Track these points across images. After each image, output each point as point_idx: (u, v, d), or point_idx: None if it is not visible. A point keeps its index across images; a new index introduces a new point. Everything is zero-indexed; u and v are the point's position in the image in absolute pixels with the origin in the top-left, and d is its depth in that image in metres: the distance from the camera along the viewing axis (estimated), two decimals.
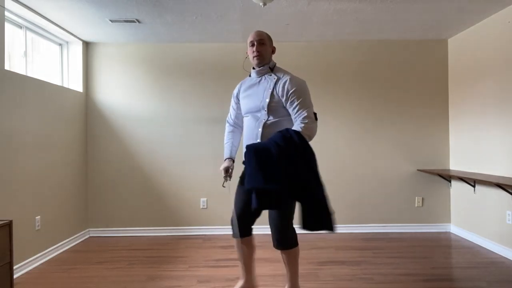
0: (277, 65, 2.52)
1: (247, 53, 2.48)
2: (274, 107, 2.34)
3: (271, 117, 2.35)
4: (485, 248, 3.99)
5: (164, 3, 3.51)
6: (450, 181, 4.74)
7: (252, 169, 2.12)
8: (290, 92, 2.33)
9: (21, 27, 3.80)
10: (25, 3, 3.46)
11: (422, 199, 4.80)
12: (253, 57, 2.40)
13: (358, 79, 4.82)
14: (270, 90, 2.35)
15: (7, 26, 3.54)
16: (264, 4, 3.14)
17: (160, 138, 4.77)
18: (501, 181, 3.35)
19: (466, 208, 4.42)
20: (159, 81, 4.79)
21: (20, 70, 3.75)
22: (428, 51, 4.82)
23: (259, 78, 2.45)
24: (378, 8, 3.69)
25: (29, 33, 3.93)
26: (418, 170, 4.77)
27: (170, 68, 4.80)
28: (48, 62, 4.33)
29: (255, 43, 2.38)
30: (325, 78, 4.82)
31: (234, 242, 2.59)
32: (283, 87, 2.35)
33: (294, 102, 2.32)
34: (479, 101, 4.16)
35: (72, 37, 4.43)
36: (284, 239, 2.37)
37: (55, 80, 4.44)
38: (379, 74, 4.82)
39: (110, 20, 3.93)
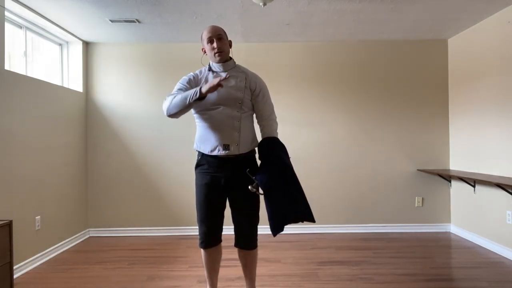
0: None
1: (203, 49, 2.40)
2: (246, 100, 2.35)
3: (244, 110, 2.35)
4: (485, 248, 3.99)
5: (164, 3, 3.51)
6: (450, 181, 4.74)
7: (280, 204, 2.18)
8: (261, 89, 2.40)
9: (21, 27, 3.80)
10: (25, 3, 3.46)
11: (422, 199, 4.80)
12: (215, 53, 2.31)
13: (358, 79, 4.82)
14: (244, 84, 2.35)
15: (7, 26, 3.54)
16: (264, 4, 3.14)
17: (160, 137, 4.77)
18: (501, 181, 3.35)
19: (466, 208, 4.42)
20: (159, 81, 4.79)
21: (20, 70, 3.75)
22: (428, 51, 4.82)
23: (226, 72, 2.37)
24: (378, 8, 3.69)
25: (29, 33, 3.93)
26: (418, 170, 4.77)
27: (170, 68, 4.80)
28: (48, 62, 4.34)
29: (214, 39, 2.30)
30: (325, 78, 4.82)
31: (203, 252, 2.46)
32: (255, 83, 2.39)
33: (264, 100, 2.40)
34: (479, 101, 4.16)
35: (72, 37, 4.43)
36: (254, 239, 2.43)
37: (55, 80, 4.44)
38: (379, 74, 4.82)
39: (110, 20, 3.93)
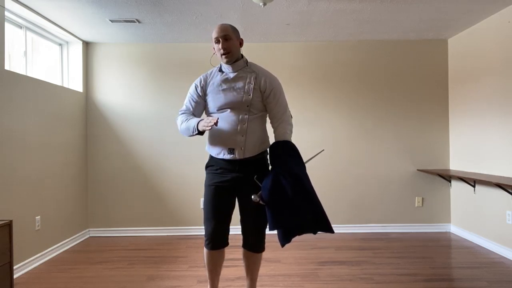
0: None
1: (213, 48, 2.32)
2: (256, 102, 2.28)
3: (253, 113, 2.28)
4: (485, 248, 3.99)
5: (164, 3, 3.51)
6: (450, 181, 4.74)
7: (279, 208, 2.10)
8: (272, 89, 2.31)
9: (21, 27, 3.80)
10: (25, 3, 3.46)
11: (422, 199, 4.80)
12: (221, 54, 2.26)
13: (358, 79, 4.82)
14: (252, 86, 2.28)
15: (7, 26, 3.54)
16: (264, 4, 3.14)
17: (160, 138, 4.77)
18: (501, 181, 3.35)
19: (466, 208, 4.42)
20: (159, 81, 4.79)
21: (20, 70, 3.75)
22: (428, 51, 4.82)
23: (235, 73, 2.33)
24: (377, 8, 3.69)
25: (29, 33, 3.93)
26: (418, 170, 4.77)
27: (170, 68, 4.80)
28: (48, 62, 4.34)
29: (221, 40, 2.24)
30: (325, 78, 4.82)
31: (206, 253, 2.38)
32: (265, 82, 2.30)
33: (275, 100, 2.31)
34: (479, 101, 4.16)
35: (72, 37, 4.42)
36: (262, 242, 2.40)
37: (55, 80, 4.44)
38: (379, 74, 4.82)
39: (110, 20, 3.93)
